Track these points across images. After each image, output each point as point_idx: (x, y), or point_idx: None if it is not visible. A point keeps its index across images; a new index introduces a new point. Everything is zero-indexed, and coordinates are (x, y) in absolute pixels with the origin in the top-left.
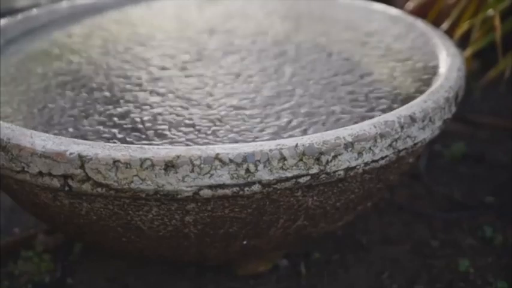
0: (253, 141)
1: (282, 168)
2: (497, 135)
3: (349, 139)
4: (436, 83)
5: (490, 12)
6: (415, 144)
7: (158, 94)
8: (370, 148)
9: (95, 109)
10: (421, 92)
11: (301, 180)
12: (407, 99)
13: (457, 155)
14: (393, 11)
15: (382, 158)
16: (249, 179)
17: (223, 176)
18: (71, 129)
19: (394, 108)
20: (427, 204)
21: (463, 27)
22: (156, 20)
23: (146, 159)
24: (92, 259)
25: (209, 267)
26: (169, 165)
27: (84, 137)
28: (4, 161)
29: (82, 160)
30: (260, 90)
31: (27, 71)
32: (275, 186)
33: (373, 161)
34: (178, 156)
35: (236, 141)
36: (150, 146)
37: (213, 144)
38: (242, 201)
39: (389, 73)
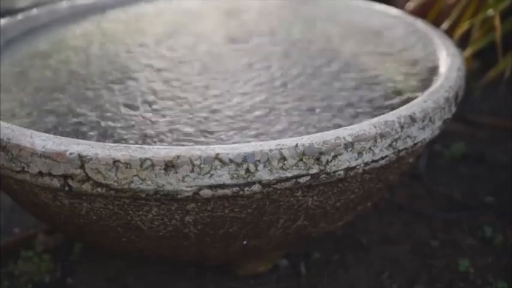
0: (255, 140)
1: (282, 168)
2: (497, 135)
3: (349, 139)
4: (436, 83)
5: (490, 12)
6: (415, 144)
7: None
8: (370, 148)
9: (96, 109)
10: (421, 92)
11: (301, 180)
12: (407, 99)
13: (457, 155)
14: (393, 11)
15: (382, 158)
16: (249, 179)
17: (223, 176)
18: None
19: (394, 108)
20: (427, 204)
21: (463, 27)
22: (159, 18)
23: (146, 159)
24: (92, 259)
25: (209, 267)
26: (169, 165)
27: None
28: (4, 161)
29: (82, 160)
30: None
31: (27, 70)
32: (275, 186)
33: (373, 161)
34: (178, 156)
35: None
36: (150, 146)
37: (213, 144)
38: (242, 201)
39: (389, 73)
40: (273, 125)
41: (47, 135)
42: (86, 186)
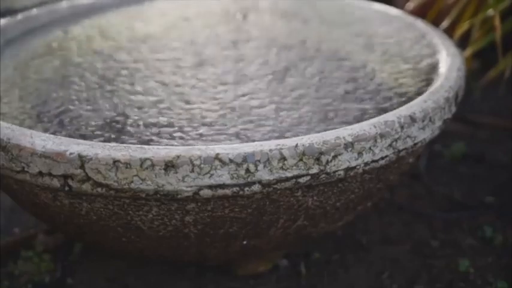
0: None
1: (282, 168)
2: (497, 135)
3: (349, 139)
4: (436, 83)
5: (490, 12)
6: (415, 144)
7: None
8: (370, 148)
9: (98, 109)
10: (421, 92)
11: (301, 180)
12: (407, 99)
13: (457, 155)
14: (393, 11)
15: (382, 158)
16: (249, 179)
17: (223, 176)
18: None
19: (394, 108)
20: (427, 204)
21: (463, 27)
22: (161, 17)
23: (146, 159)
24: (92, 259)
25: (209, 267)
26: (169, 165)
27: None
28: (4, 161)
29: (82, 160)
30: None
31: (27, 70)
32: (275, 186)
33: (373, 161)
34: (178, 156)
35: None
36: (150, 146)
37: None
38: (242, 201)
39: (389, 73)
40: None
41: (47, 135)
42: (86, 186)
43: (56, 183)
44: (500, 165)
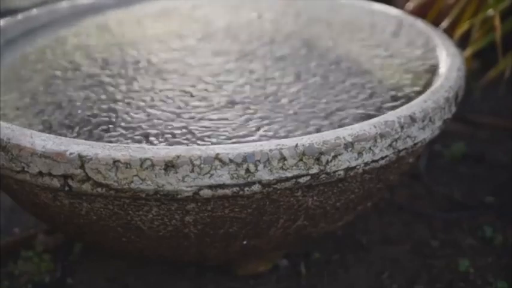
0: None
1: (282, 168)
2: (497, 135)
3: (349, 139)
4: (436, 83)
5: (490, 12)
6: (415, 144)
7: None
8: (370, 148)
9: (98, 109)
10: (421, 92)
11: (301, 180)
12: (407, 99)
13: (457, 155)
14: (393, 10)
15: (382, 158)
16: (249, 179)
17: (223, 176)
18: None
19: (394, 108)
20: (427, 204)
21: (463, 27)
22: (160, 20)
23: (146, 159)
24: (92, 259)
25: (209, 267)
26: (169, 165)
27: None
28: (4, 161)
29: (82, 160)
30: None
31: (27, 70)
32: (275, 186)
33: (373, 161)
34: (178, 156)
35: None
36: (150, 146)
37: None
38: (242, 201)
39: (389, 73)
40: None
41: (47, 135)
42: (86, 186)
43: (56, 183)
44: (500, 165)
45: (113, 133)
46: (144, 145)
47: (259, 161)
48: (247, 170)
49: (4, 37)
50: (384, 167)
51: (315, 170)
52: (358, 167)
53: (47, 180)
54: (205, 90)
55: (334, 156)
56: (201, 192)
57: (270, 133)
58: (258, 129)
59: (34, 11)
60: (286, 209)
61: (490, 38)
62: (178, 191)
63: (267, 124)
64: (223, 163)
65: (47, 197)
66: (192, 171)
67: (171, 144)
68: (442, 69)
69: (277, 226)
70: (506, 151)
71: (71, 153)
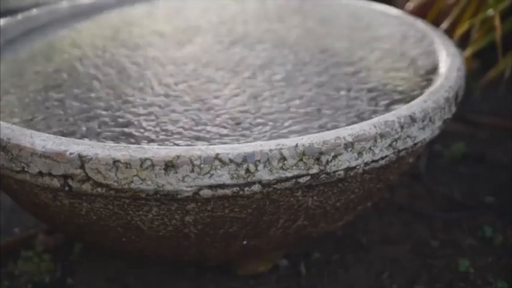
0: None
1: (282, 168)
2: (497, 135)
3: (349, 139)
4: (436, 83)
5: (490, 12)
6: (415, 144)
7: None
8: (370, 148)
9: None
10: (421, 92)
11: (301, 180)
12: (407, 99)
13: (457, 155)
14: (393, 11)
15: (382, 158)
16: (249, 179)
17: (223, 176)
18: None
19: (394, 108)
20: (427, 204)
21: (463, 27)
22: (157, 19)
23: (146, 159)
24: (92, 259)
25: (209, 267)
26: (169, 165)
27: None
28: (4, 161)
29: (82, 160)
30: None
31: (27, 70)
32: (275, 186)
33: (373, 161)
34: (178, 156)
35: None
36: (150, 146)
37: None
38: (242, 201)
39: (389, 72)
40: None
41: (47, 135)
42: (86, 186)
43: (56, 183)
44: (500, 165)
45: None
46: (144, 145)
47: (259, 161)
48: (247, 170)
49: (4, 37)
50: (384, 167)
51: (315, 170)
52: (358, 167)
53: (47, 180)
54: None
55: (334, 156)
56: (201, 192)
57: None
58: None
59: (34, 11)
60: (286, 209)
61: (490, 38)
62: (178, 191)
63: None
64: (223, 163)
65: (47, 197)
66: (192, 171)
67: None
68: (442, 69)
69: (277, 226)
70: (506, 151)
71: (71, 153)
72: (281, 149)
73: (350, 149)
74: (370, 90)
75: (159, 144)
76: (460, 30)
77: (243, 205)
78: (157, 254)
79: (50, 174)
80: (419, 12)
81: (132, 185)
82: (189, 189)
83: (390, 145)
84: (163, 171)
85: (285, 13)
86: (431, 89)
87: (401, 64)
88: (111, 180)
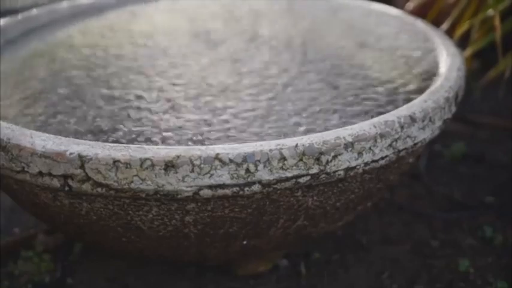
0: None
1: (282, 168)
2: (497, 135)
3: (349, 139)
4: (436, 83)
5: (490, 12)
6: (415, 144)
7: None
8: (370, 148)
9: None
10: (421, 92)
11: (301, 180)
12: (407, 99)
13: (457, 155)
14: (393, 10)
15: (382, 158)
16: (249, 179)
17: (223, 176)
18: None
19: (394, 108)
20: (427, 204)
21: (463, 27)
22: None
23: (146, 159)
24: (92, 259)
25: (209, 267)
26: (169, 165)
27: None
28: (4, 161)
29: (82, 160)
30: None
31: (27, 71)
32: (275, 186)
33: (373, 161)
34: (178, 156)
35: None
36: (150, 146)
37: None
38: (242, 201)
39: (389, 73)
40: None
41: (47, 135)
42: (86, 186)
43: (56, 183)
44: (500, 165)
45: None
46: (144, 145)
47: (259, 161)
48: (247, 170)
49: (4, 37)
50: (384, 167)
51: (315, 170)
52: (358, 167)
53: (47, 180)
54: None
55: (334, 156)
56: (201, 192)
57: None
58: None
59: (34, 11)
60: (286, 209)
61: (490, 38)
62: (178, 191)
63: None
64: (223, 163)
65: (47, 197)
66: (192, 171)
67: None
68: (442, 69)
69: (277, 226)
70: (506, 151)
71: (71, 153)
72: (281, 149)
73: (350, 149)
74: (369, 90)
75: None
76: (460, 30)
77: (243, 205)
78: (157, 254)
79: (50, 174)
80: (419, 12)
81: (132, 185)
82: (189, 189)
83: (390, 145)
84: (163, 171)
85: (275, 13)
86: (431, 89)
87: (401, 64)
88: (111, 180)
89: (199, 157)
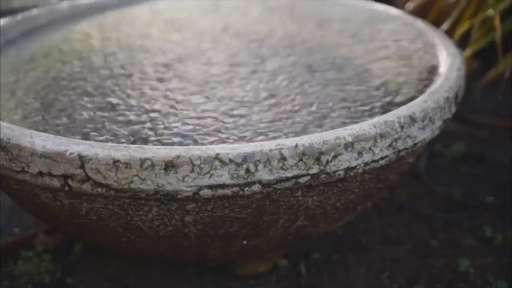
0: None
1: (282, 168)
2: (497, 135)
3: (349, 139)
4: (436, 83)
5: (490, 12)
6: (415, 144)
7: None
8: (370, 148)
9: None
10: (421, 92)
11: (301, 180)
12: (407, 99)
13: (457, 155)
14: (393, 11)
15: (382, 158)
16: (249, 179)
17: (223, 176)
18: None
19: (394, 108)
20: (427, 204)
21: (463, 27)
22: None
23: (146, 159)
24: (92, 259)
25: (209, 267)
26: (169, 165)
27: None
28: (4, 161)
29: (82, 160)
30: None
31: (27, 71)
32: (275, 186)
33: (373, 161)
34: (178, 156)
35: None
36: (150, 146)
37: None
38: (242, 201)
39: (389, 72)
40: None
41: (47, 135)
42: (86, 186)
43: (56, 183)
44: (500, 165)
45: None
46: (144, 145)
47: (259, 161)
48: (247, 170)
49: (4, 37)
50: (384, 167)
51: (315, 170)
52: (358, 167)
53: (47, 180)
54: None
55: (334, 156)
56: (201, 192)
57: None
58: None
59: (34, 11)
60: (286, 209)
61: (490, 38)
62: (178, 191)
63: None
64: (223, 163)
65: (47, 197)
66: (192, 171)
67: None
68: (442, 69)
69: (277, 226)
70: (506, 151)
71: (71, 153)
72: (281, 149)
73: (350, 149)
74: (368, 90)
75: None
76: (460, 30)
77: (243, 205)
78: (157, 254)
79: (50, 174)
80: (419, 12)
81: (132, 185)
82: (189, 189)
83: (390, 145)
84: (163, 171)
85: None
86: (431, 89)
87: (401, 64)
88: (111, 180)
89: (199, 157)
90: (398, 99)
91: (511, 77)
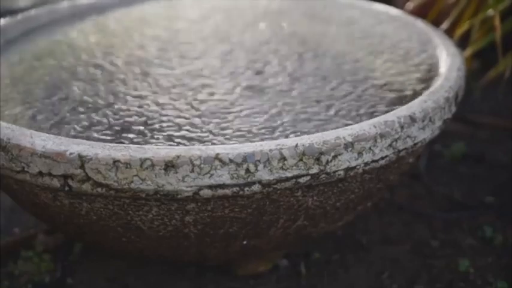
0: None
1: (282, 168)
2: (497, 135)
3: (349, 139)
4: (436, 83)
5: (490, 12)
6: (415, 144)
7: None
8: (370, 148)
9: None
10: (421, 92)
11: (301, 180)
12: (407, 99)
13: (457, 155)
14: (393, 11)
15: (382, 158)
16: (249, 179)
17: (223, 176)
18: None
19: (394, 108)
20: (427, 204)
21: (463, 27)
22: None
23: (146, 159)
24: (92, 259)
25: (209, 267)
26: (169, 165)
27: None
28: (4, 161)
29: (82, 160)
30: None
31: (27, 71)
32: (275, 186)
33: (373, 161)
34: (178, 156)
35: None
36: (150, 146)
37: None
38: (242, 201)
39: (389, 73)
40: None
41: (47, 135)
42: (86, 186)
43: (56, 183)
44: (500, 165)
45: None
46: (144, 145)
47: (259, 161)
48: (247, 170)
49: (4, 37)
50: (384, 167)
51: (315, 170)
52: (358, 167)
53: (47, 180)
54: None
55: (334, 156)
56: (201, 192)
57: None
58: None
59: (34, 11)
60: (286, 209)
61: (490, 38)
62: (178, 191)
63: None
64: (223, 163)
65: (47, 197)
66: (192, 171)
67: None
68: (442, 69)
69: (277, 226)
70: (506, 151)
71: (71, 153)
72: (281, 149)
73: (350, 149)
74: (368, 90)
75: None
76: (460, 30)
77: (243, 205)
78: (157, 254)
79: (50, 174)
80: (419, 12)
81: (132, 185)
82: (189, 189)
83: (390, 145)
84: (163, 171)
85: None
86: (431, 89)
87: (400, 64)
88: (111, 180)
89: (199, 157)
90: (397, 99)
91: (511, 77)
